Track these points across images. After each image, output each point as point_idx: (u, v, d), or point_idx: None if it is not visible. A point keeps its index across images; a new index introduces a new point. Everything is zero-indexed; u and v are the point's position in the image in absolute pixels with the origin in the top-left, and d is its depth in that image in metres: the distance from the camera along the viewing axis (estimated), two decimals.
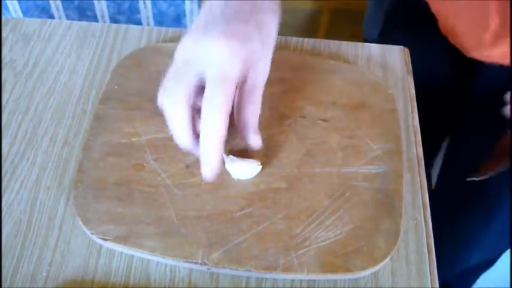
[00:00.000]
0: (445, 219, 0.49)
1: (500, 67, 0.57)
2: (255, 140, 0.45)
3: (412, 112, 0.57)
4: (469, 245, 0.83)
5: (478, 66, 0.58)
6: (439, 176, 0.57)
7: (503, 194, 0.74)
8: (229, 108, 0.41)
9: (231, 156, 0.49)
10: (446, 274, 0.45)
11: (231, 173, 0.49)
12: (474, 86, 0.68)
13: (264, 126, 0.53)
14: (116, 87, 0.56)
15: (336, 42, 0.63)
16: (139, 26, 0.64)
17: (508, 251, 0.92)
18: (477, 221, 0.80)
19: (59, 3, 1.21)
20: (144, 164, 0.50)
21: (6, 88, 0.57)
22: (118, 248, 0.46)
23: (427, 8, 0.67)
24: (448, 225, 0.50)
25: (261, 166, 0.49)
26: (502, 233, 0.82)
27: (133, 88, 0.56)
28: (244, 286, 0.45)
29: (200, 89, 0.42)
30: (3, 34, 0.62)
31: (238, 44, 0.40)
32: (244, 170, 0.49)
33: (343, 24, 1.48)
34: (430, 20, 0.68)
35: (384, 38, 0.81)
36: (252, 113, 0.44)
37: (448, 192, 0.55)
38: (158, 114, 0.53)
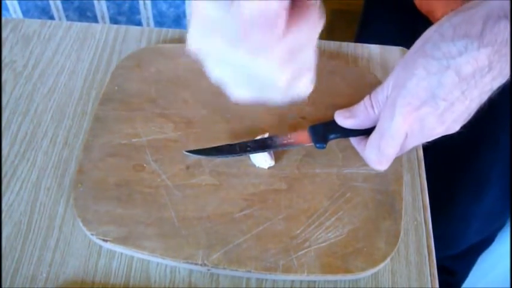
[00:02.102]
0: (437, 199, 0.50)
1: None
2: None
3: None
4: (462, 224, 0.84)
5: None
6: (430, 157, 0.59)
7: (491, 173, 0.75)
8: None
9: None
10: (443, 256, 0.46)
11: (251, 158, 0.51)
12: None
13: (264, 127, 0.53)
14: (116, 88, 0.56)
15: (336, 42, 0.63)
16: (139, 27, 0.64)
17: (504, 233, 0.93)
18: (468, 201, 0.81)
19: (59, 4, 1.22)
20: (145, 165, 0.50)
21: (6, 89, 0.57)
22: (118, 248, 0.46)
23: None
24: (440, 206, 0.52)
25: (273, 162, 0.50)
26: (493, 212, 0.83)
27: (133, 89, 0.56)
28: (244, 287, 0.45)
29: None
30: (4, 35, 0.63)
31: None
32: (261, 160, 0.50)
33: (343, 25, 1.49)
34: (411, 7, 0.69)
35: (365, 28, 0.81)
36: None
37: (438, 172, 0.56)
38: (158, 115, 0.53)
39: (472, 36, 0.37)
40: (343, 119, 0.47)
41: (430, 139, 0.43)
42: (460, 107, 0.39)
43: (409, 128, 0.41)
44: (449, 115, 0.40)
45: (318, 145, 0.48)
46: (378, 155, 0.44)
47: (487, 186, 0.78)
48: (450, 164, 0.79)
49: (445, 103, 0.39)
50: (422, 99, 0.39)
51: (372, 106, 0.45)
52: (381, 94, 0.44)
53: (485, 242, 0.96)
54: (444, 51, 0.38)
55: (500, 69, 0.38)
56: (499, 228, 0.93)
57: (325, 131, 0.49)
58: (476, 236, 0.91)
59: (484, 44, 0.36)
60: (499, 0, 0.37)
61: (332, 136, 0.49)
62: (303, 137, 0.49)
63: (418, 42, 0.41)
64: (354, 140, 0.49)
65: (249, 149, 0.49)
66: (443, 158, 0.78)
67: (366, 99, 0.45)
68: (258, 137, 0.50)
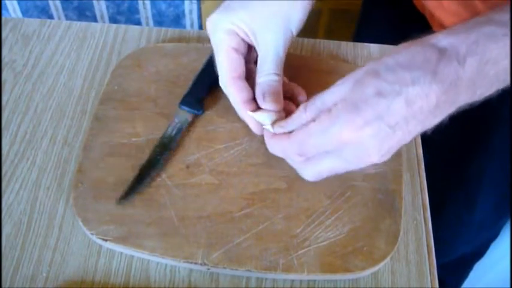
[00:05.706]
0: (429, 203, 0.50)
1: None
2: (266, 105, 0.46)
3: None
4: (452, 231, 0.84)
5: None
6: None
7: (483, 181, 0.75)
8: (234, 71, 0.47)
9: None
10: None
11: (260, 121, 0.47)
12: None
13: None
14: (116, 87, 0.56)
15: (336, 42, 0.63)
16: (138, 27, 0.64)
17: (497, 243, 0.93)
18: (459, 208, 0.80)
19: (58, 3, 1.22)
20: None
21: (6, 88, 0.57)
22: (118, 248, 0.46)
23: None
24: (431, 209, 0.51)
25: (274, 115, 0.46)
26: (484, 222, 0.83)
27: (133, 88, 0.56)
28: (244, 286, 0.45)
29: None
30: (3, 34, 0.62)
31: (220, 16, 0.47)
32: (261, 117, 0.46)
33: (343, 24, 1.48)
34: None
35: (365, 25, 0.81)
36: (260, 83, 0.47)
37: (430, 185, 0.56)
38: (158, 115, 0.53)
39: (427, 70, 0.36)
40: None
41: (354, 168, 0.41)
42: (399, 137, 0.38)
43: (342, 145, 0.38)
44: (388, 143, 0.38)
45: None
46: (299, 149, 0.41)
47: (479, 195, 0.78)
48: (443, 168, 0.79)
49: (388, 130, 0.37)
50: (367, 119, 0.37)
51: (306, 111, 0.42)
52: (320, 101, 0.42)
53: (475, 255, 0.96)
54: (398, 76, 0.36)
55: (445, 111, 0.37)
56: (490, 240, 0.93)
57: None
58: (467, 246, 0.91)
59: (436, 81, 0.36)
60: (453, 42, 0.36)
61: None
62: None
63: (371, 64, 0.39)
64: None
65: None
66: (438, 162, 0.78)
67: (302, 107, 0.43)
68: None
